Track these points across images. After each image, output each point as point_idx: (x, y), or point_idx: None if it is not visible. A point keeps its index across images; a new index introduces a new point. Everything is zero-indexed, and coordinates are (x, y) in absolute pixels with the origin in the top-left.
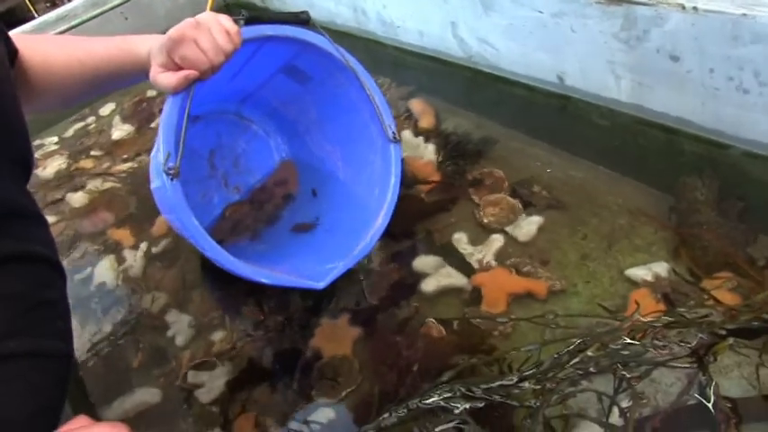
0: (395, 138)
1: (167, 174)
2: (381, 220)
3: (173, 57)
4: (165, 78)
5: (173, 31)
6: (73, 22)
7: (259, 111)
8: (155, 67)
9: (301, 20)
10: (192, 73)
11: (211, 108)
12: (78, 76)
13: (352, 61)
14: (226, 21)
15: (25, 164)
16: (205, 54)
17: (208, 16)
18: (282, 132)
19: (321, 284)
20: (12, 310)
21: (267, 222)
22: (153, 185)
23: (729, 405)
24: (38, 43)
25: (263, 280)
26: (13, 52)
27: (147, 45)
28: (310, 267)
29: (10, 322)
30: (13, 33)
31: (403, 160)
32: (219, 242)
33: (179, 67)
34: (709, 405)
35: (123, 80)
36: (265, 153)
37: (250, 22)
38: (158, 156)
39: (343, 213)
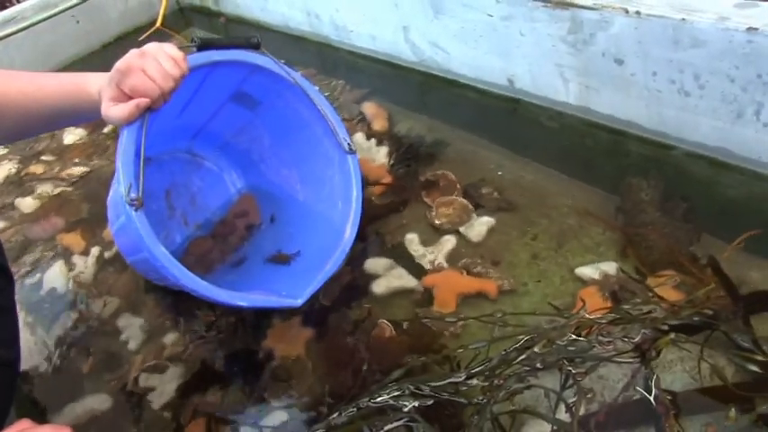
0: (351, 149)
1: (131, 205)
2: (350, 232)
3: (122, 88)
4: (117, 110)
5: (119, 63)
6: (22, 24)
7: (210, 145)
8: (105, 102)
9: (252, 44)
10: (142, 101)
11: (162, 149)
12: (31, 111)
13: (299, 78)
14: (170, 48)
15: None
16: (154, 81)
17: (152, 45)
18: (236, 165)
19: (299, 301)
20: None
21: (233, 254)
22: (115, 227)
23: (670, 398)
24: None
25: (241, 303)
26: None
27: (97, 83)
28: (285, 288)
29: None
30: None
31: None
32: None
33: (129, 98)
34: (650, 398)
35: (75, 117)
36: (221, 188)
37: (202, 48)
38: (118, 191)
39: (309, 233)
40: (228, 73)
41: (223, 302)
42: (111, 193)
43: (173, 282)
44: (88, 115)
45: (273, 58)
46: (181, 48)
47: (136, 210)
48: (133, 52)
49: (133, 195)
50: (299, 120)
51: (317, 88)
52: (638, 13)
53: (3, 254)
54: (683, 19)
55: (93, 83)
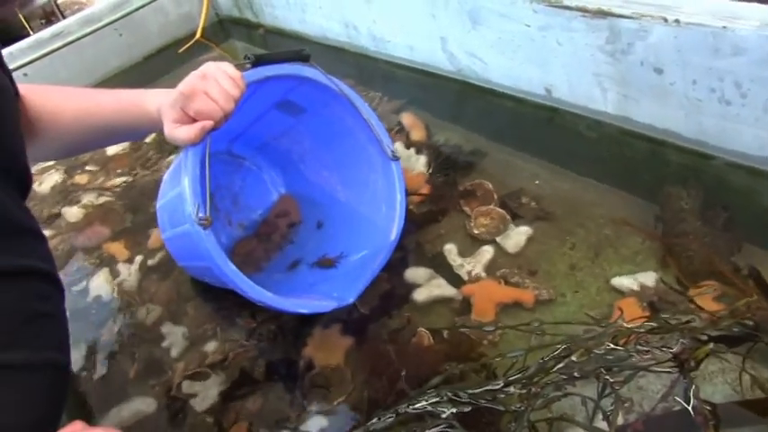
0: (394, 156)
1: (200, 224)
2: (395, 233)
3: (187, 111)
4: (182, 132)
5: (183, 87)
6: (67, 39)
7: (249, 146)
8: (169, 124)
9: (302, 57)
10: (207, 123)
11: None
12: (87, 127)
13: (345, 88)
14: (229, 68)
15: (23, 180)
16: (216, 103)
17: (212, 66)
18: (275, 165)
19: (351, 299)
20: (10, 323)
21: (277, 252)
22: (169, 234)
23: (709, 408)
24: (47, 93)
25: (303, 311)
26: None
27: (156, 101)
28: (335, 290)
29: (8, 334)
30: (22, 85)
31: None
32: None
33: (193, 120)
34: (689, 407)
35: (131, 134)
36: (262, 187)
37: (256, 64)
38: (181, 205)
39: (352, 234)
40: (277, 84)
41: (286, 311)
42: (162, 201)
43: (238, 292)
44: (145, 132)
45: (321, 70)
46: (236, 65)
47: (204, 228)
48: (195, 75)
49: (201, 215)
50: (343, 127)
51: (361, 98)
52: (677, 21)
53: (52, 262)
54: (725, 27)
55: (152, 101)
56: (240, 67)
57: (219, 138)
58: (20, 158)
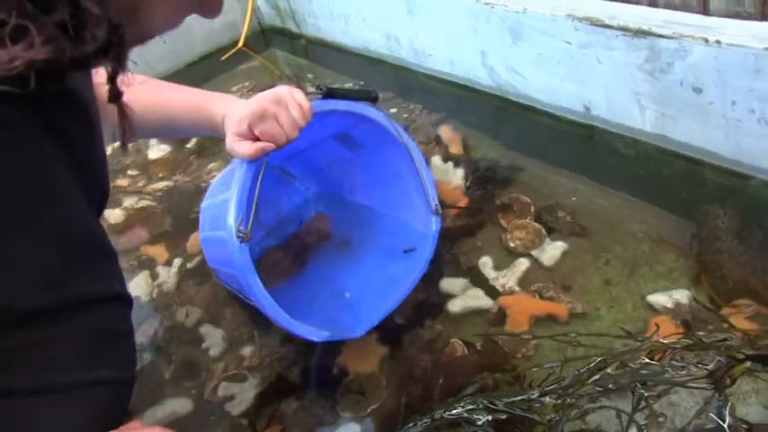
0: (437, 211)
1: (239, 237)
2: (409, 287)
3: (253, 130)
4: (243, 148)
5: (255, 106)
6: None
7: (303, 168)
8: (232, 136)
9: (371, 98)
10: (269, 146)
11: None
12: (150, 122)
13: (405, 136)
14: (301, 97)
15: (104, 197)
16: (283, 129)
17: (286, 93)
18: (324, 190)
19: (358, 334)
20: (96, 344)
21: (304, 267)
22: (206, 234)
23: (746, 427)
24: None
25: (313, 338)
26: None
27: (222, 107)
28: (348, 319)
29: (94, 354)
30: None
31: (440, 230)
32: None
33: (255, 138)
34: (725, 425)
35: (192, 133)
36: (304, 208)
37: (327, 96)
38: (227, 216)
39: (376, 271)
40: (341, 117)
41: (297, 335)
42: (207, 202)
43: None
44: (206, 133)
45: (385, 113)
46: (307, 94)
47: (241, 242)
48: (269, 97)
49: (242, 228)
50: (396, 171)
51: (418, 148)
52: (718, 42)
53: (122, 281)
54: (766, 48)
55: (218, 108)
56: (310, 95)
57: (275, 154)
58: (105, 178)
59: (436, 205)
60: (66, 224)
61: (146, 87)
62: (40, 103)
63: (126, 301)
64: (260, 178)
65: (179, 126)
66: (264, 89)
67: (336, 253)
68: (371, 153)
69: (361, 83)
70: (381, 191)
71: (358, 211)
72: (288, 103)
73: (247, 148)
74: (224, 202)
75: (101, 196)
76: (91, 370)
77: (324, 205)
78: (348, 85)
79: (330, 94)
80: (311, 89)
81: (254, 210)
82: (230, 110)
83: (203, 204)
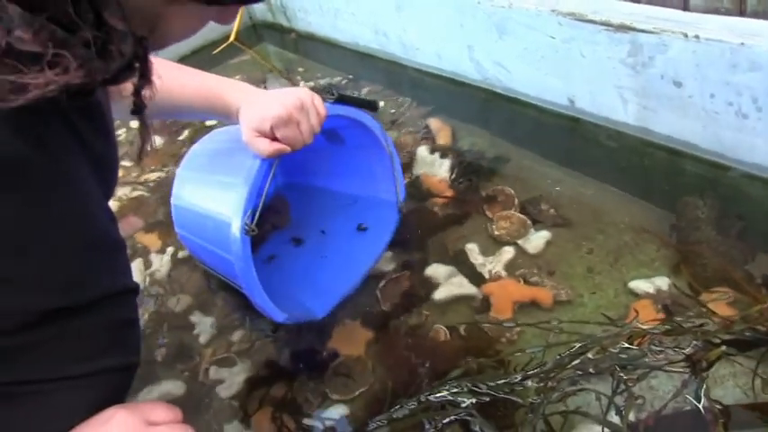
0: (401, 209)
1: (246, 230)
2: (366, 270)
3: (275, 131)
4: (262, 145)
5: (282, 111)
6: None
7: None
8: (251, 131)
9: (372, 107)
10: (287, 149)
11: None
12: (165, 104)
13: (392, 148)
14: (319, 103)
15: (113, 188)
16: (302, 135)
17: (308, 100)
18: (286, 169)
19: (319, 316)
20: (109, 334)
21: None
22: (194, 207)
23: (719, 407)
24: None
25: (279, 319)
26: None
27: (237, 99)
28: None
29: (106, 344)
30: None
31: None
32: None
33: (274, 138)
34: (699, 405)
35: (201, 117)
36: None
37: (338, 101)
38: (234, 208)
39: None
40: (340, 118)
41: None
42: (192, 173)
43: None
44: (217, 119)
45: (380, 124)
46: (322, 97)
47: (246, 234)
48: (294, 103)
49: (247, 222)
50: (368, 170)
51: (399, 161)
52: (696, 37)
53: (130, 271)
54: (742, 43)
55: (233, 98)
56: (323, 98)
57: None
58: (116, 174)
59: (401, 203)
60: (91, 227)
61: (161, 69)
62: (66, 111)
63: (134, 291)
64: (270, 176)
65: (191, 111)
66: (255, 83)
67: (293, 236)
68: (349, 149)
69: (350, 77)
70: (347, 181)
71: (318, 196)
72: (309, 111)
73: (266, 146)
74: (224, 186)
75: (112, 190)
76: (103, 358)
77: (284, 187)
78: (356, 93)
79: (341, 99)
80: (326, 95)
81: (260, 206)
82: (247, 103)
83: (183, 171)
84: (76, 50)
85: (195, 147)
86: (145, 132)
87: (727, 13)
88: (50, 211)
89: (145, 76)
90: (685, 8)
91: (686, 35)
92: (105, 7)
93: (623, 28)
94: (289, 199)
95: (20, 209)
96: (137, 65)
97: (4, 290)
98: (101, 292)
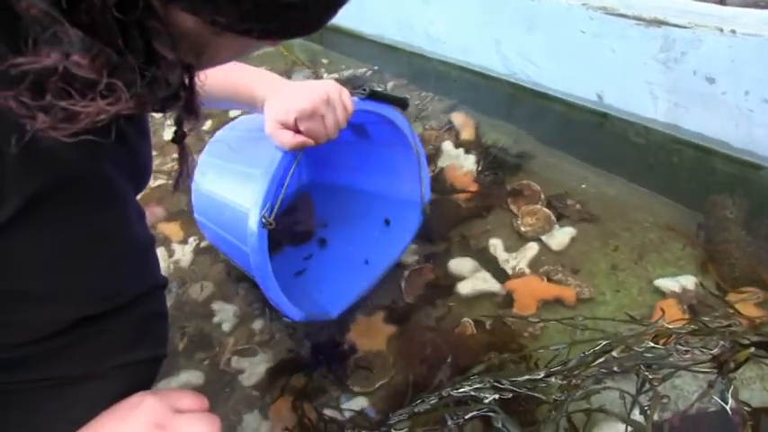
0: (425, 211)
1: (263, 223)
2: (380, 273)
3: (299, 124)
4: (285, 137)
5: (307, 105)
6: None
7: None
8: (274, 123)
9: (403, 105)
10: (310, 142)
11: None
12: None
13: (419, 146)
14: (346, 98)
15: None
16: (326, 129)
17: (335, 94)
18: (312, 163)
19: (334, 315)
20: (138, 330)
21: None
22: (215, 195)
23: (748, 410)
24: None
25: (296, 317)
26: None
27: (263, 91)
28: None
29: (136, 339)
30: None
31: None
32: None
33: (297, 129)
34: (727, 407)
35: (227, 106)
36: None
37: (368, 98)
38: (253, 200)
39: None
40: (369, 113)
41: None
42: (221, 161)
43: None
44: (242, 108)
45: (409, 122)
46: (352, 93)
47: (264, 227)
48: (320, 97)
49: (267, 215)
50: (394, 167)
51: (426, 161)
52: (733, 31)
53: (158, 265)
54: None
55: (260, 90)
56: (354, 93)
57: None
58: (149, 168)
59: (425, 209)
60: (128, 233)
61: None
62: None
63: (163, 285)
64: (292, 169)
65: (216, 99)
66: (280, 74)
67: (318, 237)
68: (376, 146)
69: (375, 68)
70: (372, 179)
71: (341, 194)
72: (335, 106)
73: (290, 138)
74: (244, 176)
75: (143, 186)
76: (132, 352)
77: (309, 185)
78: (387, 90)
79: (372, 95)
80: (356, 90)
81: (280, 199)
82: (273, 94)
83: (205, 157)
84: (128, 79)
85: (219, 133)
86: (183, 160)
87: (767, 6)
88: (95, 225)
89: (190, 108)
90: (722, 2)
91: (722, 30)
92: (155, 37)
93: (656, 22)
94: (314, 199)
95: (71, 223)
96: (182, 93)
97: (44, 303)
98: (132, 295)
